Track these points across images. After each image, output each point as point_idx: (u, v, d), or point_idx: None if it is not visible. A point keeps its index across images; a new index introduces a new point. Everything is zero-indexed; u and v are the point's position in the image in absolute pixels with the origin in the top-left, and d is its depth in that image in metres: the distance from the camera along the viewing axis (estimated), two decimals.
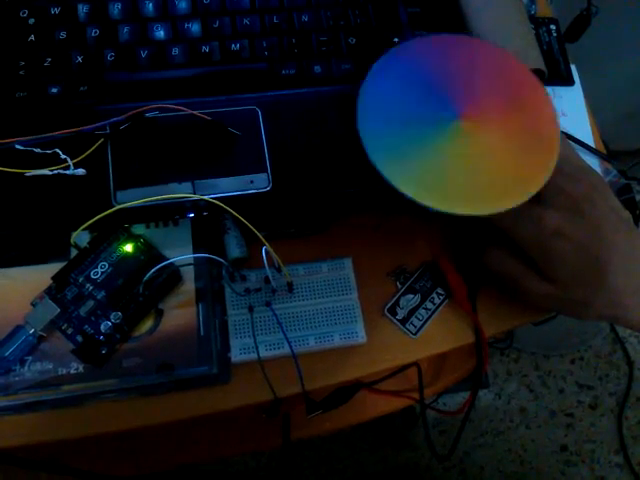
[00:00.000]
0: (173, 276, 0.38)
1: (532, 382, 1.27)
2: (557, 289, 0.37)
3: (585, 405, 1.26)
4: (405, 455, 1.17)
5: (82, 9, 0.39)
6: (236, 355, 0.38)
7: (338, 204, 0.39)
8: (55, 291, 0.37)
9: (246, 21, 0.40)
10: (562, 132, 0.37)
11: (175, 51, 0.39)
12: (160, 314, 0.38)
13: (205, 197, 0.35)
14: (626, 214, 0.38)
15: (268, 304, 0.40)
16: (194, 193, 0.36)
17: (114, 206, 0.35)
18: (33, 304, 0.37)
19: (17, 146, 0.35)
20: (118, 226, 0.39)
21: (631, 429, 1.23)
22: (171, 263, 0.38)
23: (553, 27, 0.53)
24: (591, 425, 1.24)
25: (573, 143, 0.48)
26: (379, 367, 0.41)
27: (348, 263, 0.42)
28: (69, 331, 0.37)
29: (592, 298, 0.36)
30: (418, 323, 0.42)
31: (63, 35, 0.39)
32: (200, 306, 0.38)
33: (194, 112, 0.36)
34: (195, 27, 0.40)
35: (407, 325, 0.41)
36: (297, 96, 0.39)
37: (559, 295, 0.37)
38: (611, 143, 0.51)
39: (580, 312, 0.38)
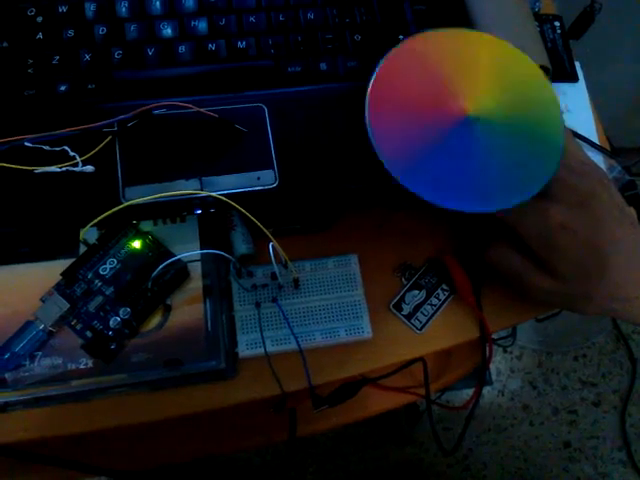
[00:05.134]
0: (181, 272, 0.39)
1: (535, 379, 1.27)
2: (559, 283, 0.37)
3: (588, 402, 1.26)
4: (409, 452, 1.18)
5: (89, 7, 0.39)
6: (243, 350, 0.39)
7: (344, 200, 0.39)
8: (64, 287, 0.38)
9: (252, 19, 0.41)
10: (568, 128, 0.38)
11: (182, 49, 0.39)
12: (168, 310, 0.38)
13: (212, 194, 0.36)
14: (629, 210, 0.38)
15: (275, 300, 0.40)
16: (201, 190, 0.36)
17: (122, 203, 0.35)
18: (43, 300, 0.37)
19: (26, 143, 0.35)
20: (126, 223, 0.39)
21: (634, 426, 1.24)
22: (179, 259, 0.38)
23: (557, 24, 0.53)
24: (594, 422, 1.24)
25: (578, 139, 0.48)
26: (385, 362, 0.41)
27: (354, 259, 0.42)
28: (78, 327, 0.37)
29: (594, 292, 0.37)
30: (423, 319, 0.42)
31: (71, 33, 0.39)
32: (207, 302, 0.39)
33: (201, 109, 0.37)
34: (202, 25, 0.40)
35: (412, 321, 0.42)
36: (303, 93, 0.39)
37: (561, 289, 0.37)
38: (615, 140, 0.51)
39: (582, 306, 0.38)
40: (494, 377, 1.27)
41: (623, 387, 1.27)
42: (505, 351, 1.29)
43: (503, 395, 1.26)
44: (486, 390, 1.25)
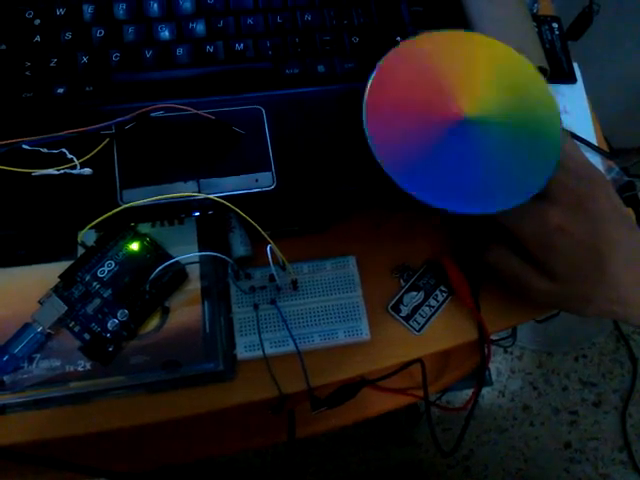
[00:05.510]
0: (179, 274, 0.39)
1: (536, 380, 1.27)
2: (558, 285, 0.37)
3: (589, 402, 1.26)
4: (409, 452, 1.18)
5: (87, 10, 0.39)
6: (241, 352, 0.39)
7: (342, 202, 0.39)
8: (62, 289, 0.38)
9: (250, 21, 0.41)
10: (566, 130, 0.38)
11: (180, 51, 0.39)
12: (166, 312, 0.38)
13: (210, 196, 0.36)
14: (627, 211, 0.38)
15: (273, 302, 0.40)
16: (199, 192, 0.36)
17: (120, 205, 0.35)
18: (41, 302, 0.37)
19: (24, 146, 0.35)
20: (124, 225, 0.39)
21: (635, 426, 1.23)
22: (177, 261, 0.38)
23: (555, 25, 0.53)
24: (595, 422, 1.24)
25: (576, 141, 0.48)
26: (383, 364, 0.41)
27: (352, 261, 0.42)
28: (76, 329, 0.37)
29: (592, 294, 0.37)
30: (422, 320, 0.42)
31: (69, 36, 0.39)
32: (206, 304, 0.39)
33: (199, 112, 0.37)
34: (199, 27, 0.40)
35: (411, 322, 0.42)
36: (301, 95, 0.39)
37: (560, 291, 0.37)
38: (613, 141, 0.51)
39: (580, 308, 0.38)
40: (494, 378, 1.27)
41: (624, 387, 1.27)
42: (505, 352, 1.29)
43: (503, 396, 1.26)
44: (486, 391, 1.25)
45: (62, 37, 0.39)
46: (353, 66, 0.41)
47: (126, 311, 0.37)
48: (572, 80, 0.52)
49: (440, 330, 0.42)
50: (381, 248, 0.43)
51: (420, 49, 0.39)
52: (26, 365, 0.36)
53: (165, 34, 0.40)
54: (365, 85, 0.37)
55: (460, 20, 0.43)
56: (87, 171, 0.35)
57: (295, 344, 0.39)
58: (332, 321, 0.40)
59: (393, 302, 0.42)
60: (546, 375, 1.28)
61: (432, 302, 0.42)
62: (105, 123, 0.36)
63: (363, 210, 0.43)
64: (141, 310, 0.38)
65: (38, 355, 0.37)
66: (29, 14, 0.39)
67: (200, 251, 0.40)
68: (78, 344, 0.37)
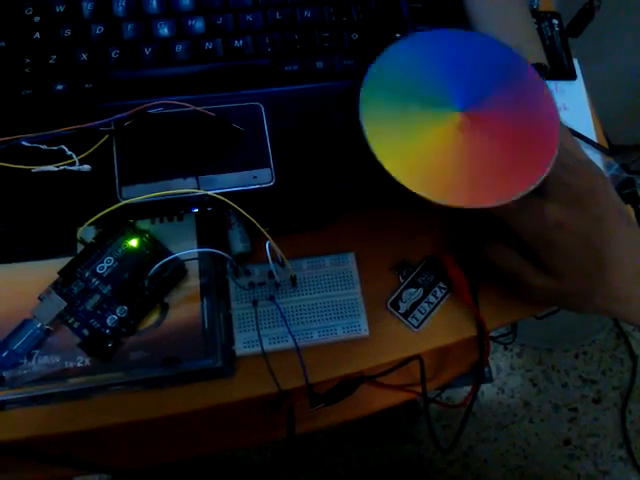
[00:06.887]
0: (178, 270, 0.39)
1: (535, 376, 1.27)
2: (556, 282, 0.37)
3: (589, 399, 1.26)
4: (408, 449, 1.18)
5: (87, 7, 0.39)
6: (240, 348, 0.39)
7: (341, 199, 0.39)
8: (62, 285, 0.38)
9: (249, 17, 0.41)
10: (565, 126, 0.38)
11: (179, 48, 0.39)
12: (165, 308, 0.38)
13: (209, 192, 0.36)
14: (626, 208, 0.38)
15: (272, 298, 0.40)
16: (198, 188, 0.36)
17: (119, 201, 0.35)
18: (40, 298, 0.37)
19: (23, 143, 0.35)
20: (123, 221, 0.39)
21: (634, 423, 1.24)
22: (176, 258, 0.38)
23: (555, 21, 0.53)
24: (594, 419, 1.24)
25: (575, 137, 0.48)
26: (382, 360, 0.41)
27: (351, 257, 0.42)
28: (76, 325, 0.37)
29: (591, 291, 0.37)
30: (420, 317, 0.42)
31: (68, 33, 0.39)
32: (205, 300, 0.39)
33: (198, 108, 0.37)
34: (198, 24, 0.40)
35: (409, 319, 0.42)
36: (300, 92, 0.39)
37: (558, 288, 0.37)
38: (613, 137, 0.51)
39: (579, 305, 0.38)
40: (494, 374, 1.27)
41: (623, 384, 1.27)
42: (505, 348, 1.29)
43: (503, 392, 1.26)
44: (486, 387, 1.25)
45: (61, 34, 0.39)
46: (352, 63, 0.41)
47: (125, 307, 0.37)
48: (572, 77, 0.52)
49: (439, 326, 0.42)
50: (380, 245, 0.43)
51: (418, 46, 0.39)
52: (25, 361, 0.36)
53: (164, 31, 0.40)
54: (362, 81, 0.37)
55: (459, 16, 0.43)
56: (86, 168, 0.36)
57: (294, 340, 0.39)
58: (331, 317, 0.40)
59: (392, 298, 0.42)
60: (546, 372, 1.28)
61: (431, 298, 0.42)
62: (104, 120, 0.36)
63: (362, 207, 0.43)
64: (140, 306, 0.38)
65: (37, 351, 0.37)
66: (29, 11, 0.39)
67: (199, 248, 0.40)
68: (77, 340, 0.37)
